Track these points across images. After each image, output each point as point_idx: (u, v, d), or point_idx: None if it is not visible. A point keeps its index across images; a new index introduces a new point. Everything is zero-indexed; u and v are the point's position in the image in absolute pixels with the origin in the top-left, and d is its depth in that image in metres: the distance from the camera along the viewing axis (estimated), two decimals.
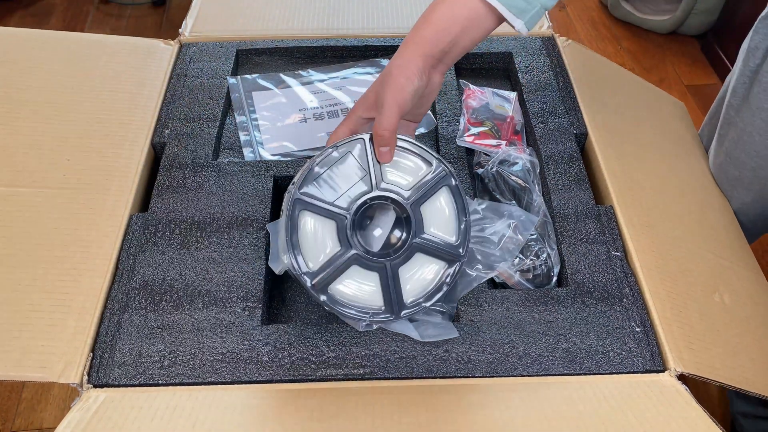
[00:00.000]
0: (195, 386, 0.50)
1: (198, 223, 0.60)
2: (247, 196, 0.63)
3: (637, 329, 0.54)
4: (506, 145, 0.68)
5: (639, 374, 0.51)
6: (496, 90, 0.75)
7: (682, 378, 0.51)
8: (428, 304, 0.52)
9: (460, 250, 0.53)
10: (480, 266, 0.58)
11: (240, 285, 0.56)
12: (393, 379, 0.51)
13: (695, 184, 0.74)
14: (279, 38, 0.81)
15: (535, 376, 0.51)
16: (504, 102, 0.73)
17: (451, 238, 0.53)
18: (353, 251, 0.50)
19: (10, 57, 0.74)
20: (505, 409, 0.48)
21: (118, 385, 0.50)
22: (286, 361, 0.51)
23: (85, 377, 0.50)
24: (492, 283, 0.60)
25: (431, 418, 0.47)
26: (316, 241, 0.51)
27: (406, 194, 0.52)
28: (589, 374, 0.51)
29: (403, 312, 0.52)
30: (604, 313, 0.55)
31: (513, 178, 0.65)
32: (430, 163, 0.53)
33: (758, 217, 0.76)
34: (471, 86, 0.74)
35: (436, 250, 0.52)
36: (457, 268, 0.53)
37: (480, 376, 0.51)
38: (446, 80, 0.76)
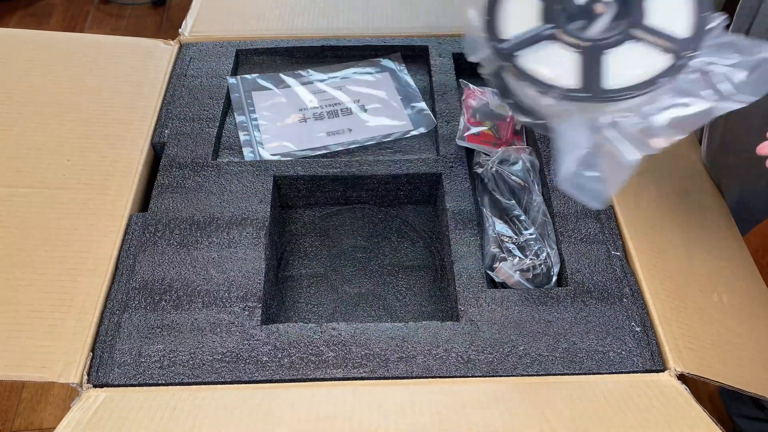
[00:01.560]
0: (195, 386, 0.50)
1: (198, 223, 0.60)
2: (247, 196, 0.63)
3: (637, 329, 0.54)
4: (506, 144, 0.68)
5: (639, 374, 0.51)
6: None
7: (682, 378, 0.51)
8: (636, 94, 0.44)
9: (689, 44, 0.44)
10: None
11: (240, 285, 0.56)
12: (393, 379, 0.51)
13: (693, 185, 0.74)
14: (279, 38, 0.81)
15: (535, 376, 0.51)
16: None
17: (678, 31, 0.45)
18: (552, 26, 0.46)
19: (10, 57, 0.74)
20: (505, 409, 0.48)
21: (118, 385, 0.50)
22: (286, 361, 0.51)
23: (85, 377, 0.50)
24: (492, 283, 0.60)
25: (431, 418, 0.47)
26: (518, 17, 0.48)
27: None
28: (589, 374, 0.51)
29: (604, 95, 0.44)
30: (603, 312, 0.55)
31: (513, 177, 0.65)
32: None
33: (745, 206, 0.76)
34: (471, 86, 0.74)
35: (653, 41, 0.45)
36: (680, 61, 0.43)
37: (480, 376, 0.51)
38: (446, 80, 0.76)
